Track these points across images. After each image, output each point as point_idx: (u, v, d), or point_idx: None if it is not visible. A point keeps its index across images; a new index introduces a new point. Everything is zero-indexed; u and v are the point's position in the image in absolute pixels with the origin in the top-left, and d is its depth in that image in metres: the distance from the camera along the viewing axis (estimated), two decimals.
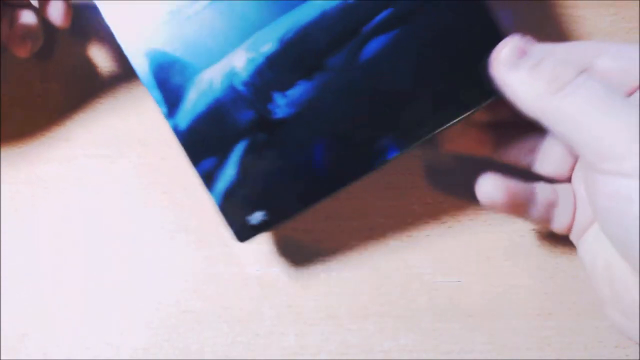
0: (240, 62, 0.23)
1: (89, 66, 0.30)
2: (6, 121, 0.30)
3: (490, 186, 0.24)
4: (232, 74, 0.23)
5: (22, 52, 0.27)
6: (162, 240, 0.29)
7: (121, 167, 0.29)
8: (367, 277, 0.28)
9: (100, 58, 0.30)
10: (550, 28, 0.34)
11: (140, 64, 0.24)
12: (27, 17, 0.27)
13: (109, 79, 0.30)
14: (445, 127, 0.23)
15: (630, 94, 0.22)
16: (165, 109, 0.24)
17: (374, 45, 0.23)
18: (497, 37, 0.22)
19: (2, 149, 0.30)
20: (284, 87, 0.23)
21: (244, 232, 0.24)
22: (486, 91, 0.23)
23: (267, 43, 0.23)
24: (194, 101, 0.24)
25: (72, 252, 0.28)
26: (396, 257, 0.28)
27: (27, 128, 0.30)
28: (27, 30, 0.27)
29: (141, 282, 0.28)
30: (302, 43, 0.23)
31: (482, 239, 0.29)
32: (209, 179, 0.24)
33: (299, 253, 0.28)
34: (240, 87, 0.23)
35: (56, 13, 0.27)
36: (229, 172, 0.24)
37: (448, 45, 0.23)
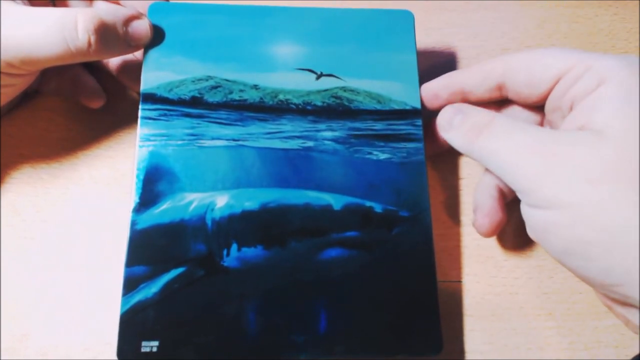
0: (221, 202, 0.25)
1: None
2: (6, 121, 0.30)
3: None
4: (209, 207, 0.25)
5: (97, 104, 0.30)
6: None
7: (125, 166, 0.29)
8: None
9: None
10: (550, 28, 0.34)
11: (141, 157, 0.26)
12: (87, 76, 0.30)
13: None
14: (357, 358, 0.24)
15: (540, 101, 0.25)
16: (136, 202, 0.25)
17: (334, 252, 0.25)
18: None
19: (2, 150, 0.30)
20: (243, 243, 0.25)
21: (128, 353, 0.23)
22: (432, 345, 0.24)
23: (250, 200, 0.25)
24: (163, 210, 0.25)
25: (72, 252, 0.28)
26: None
27: (27, 128, 0.30)
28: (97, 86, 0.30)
29: None
30: (278, 216, 0.25)
31: (482, 239, 0.29)
32: (130, 285, 0.24)
33: None
34: (209, 222, 0.25)
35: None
36: (152, 290, 0.24)
37: (394, 286, 0.25)
